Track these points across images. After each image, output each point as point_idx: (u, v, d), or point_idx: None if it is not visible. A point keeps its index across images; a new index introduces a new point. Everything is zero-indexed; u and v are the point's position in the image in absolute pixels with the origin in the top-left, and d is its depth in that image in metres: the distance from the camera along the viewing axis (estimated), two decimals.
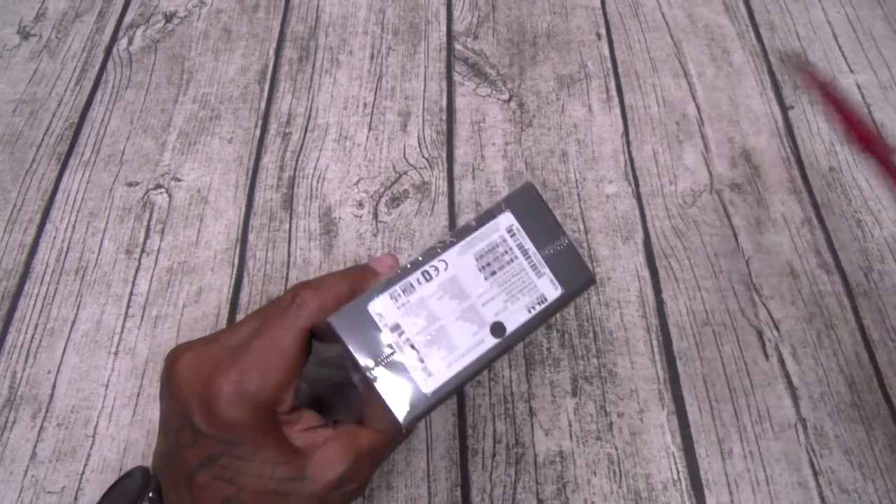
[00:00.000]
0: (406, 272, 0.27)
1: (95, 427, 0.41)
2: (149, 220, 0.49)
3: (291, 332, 0.27)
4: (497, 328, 0.27)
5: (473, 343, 0.26)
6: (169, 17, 0.61)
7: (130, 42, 0.59)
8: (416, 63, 0.58)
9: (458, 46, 0.60)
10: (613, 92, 0.57)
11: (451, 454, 0.40)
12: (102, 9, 0.61)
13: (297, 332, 0.27)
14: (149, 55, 0.58)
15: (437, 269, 0.27)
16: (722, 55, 0.59)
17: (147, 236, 0.48)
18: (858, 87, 0.57)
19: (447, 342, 0.26)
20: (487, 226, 0.28)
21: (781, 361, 0.44)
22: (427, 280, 0.27)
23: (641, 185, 0.52)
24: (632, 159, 0.53)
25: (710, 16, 0.62)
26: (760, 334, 0.45)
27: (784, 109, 0.56)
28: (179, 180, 0.51)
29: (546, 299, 0.27)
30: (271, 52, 0.59)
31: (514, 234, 0.28)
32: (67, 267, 0.47)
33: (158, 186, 0.51)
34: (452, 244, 0.27)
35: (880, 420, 0.42)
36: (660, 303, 0.46)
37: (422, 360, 0.26)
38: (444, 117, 0.55)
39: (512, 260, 0.28)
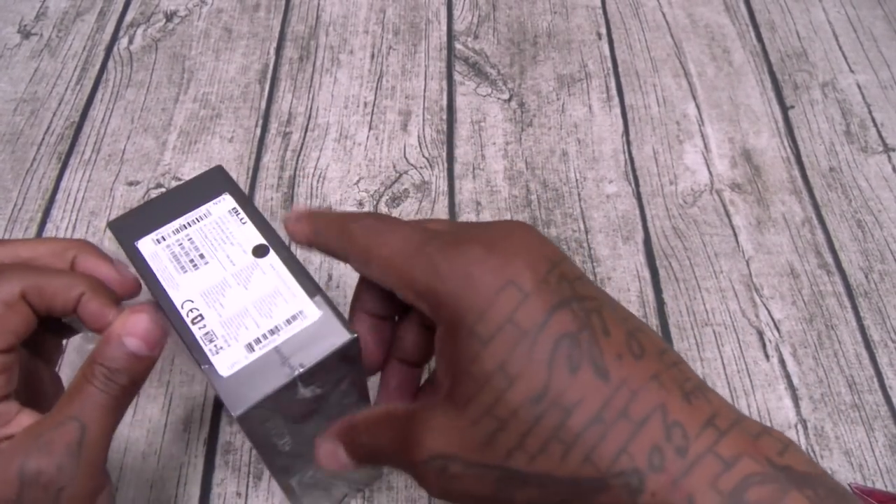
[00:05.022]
0: (188, 337, 0.26)
1: None
2: None
3: None
4: (259, 249, 0.28)
5: (262, 272, 0.27)
6: (170, 17, 0.61)
7: (131, 41, 0.59)
8: (416, 62, 0.58)
9: (458, 46, 0.60)
10: (614, 92, 0.57)
11: None
12: (103, 8, 0.61)
13: None
14: (149, 54, 0.58)
15: (191, 303, 0.27)
16: (722, 55, 0.59)
17: None
18: (859, 87, 0.57)
19: (275, 297, 0.27)
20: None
21: (782, 362, 0.44)
22: (201, 319, 0.26)
23: (641, 184, 0.52)
24: (632, 159, 0.53)
25: (711, 16, 0.62)
26: (761, 335, 0.45)
27: (784, 109, 0.56)
28: (180, 179, 0.51)
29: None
30: (272, 52, 0.59)
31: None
32: None
33: (159, 186, 0.51)
34: (164, 286, 0.27)
35: (880, 421, 0.42)
36: (660, 303, 0.46)
37: (291, 318, 0.26)
38: (445, 117, 0.55)
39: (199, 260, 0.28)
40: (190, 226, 0.28)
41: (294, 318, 0.26)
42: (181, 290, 0.27)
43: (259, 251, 0.28)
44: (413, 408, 0.24)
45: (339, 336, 0.25)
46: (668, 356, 0.22)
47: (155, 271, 0.27)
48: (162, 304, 0.27)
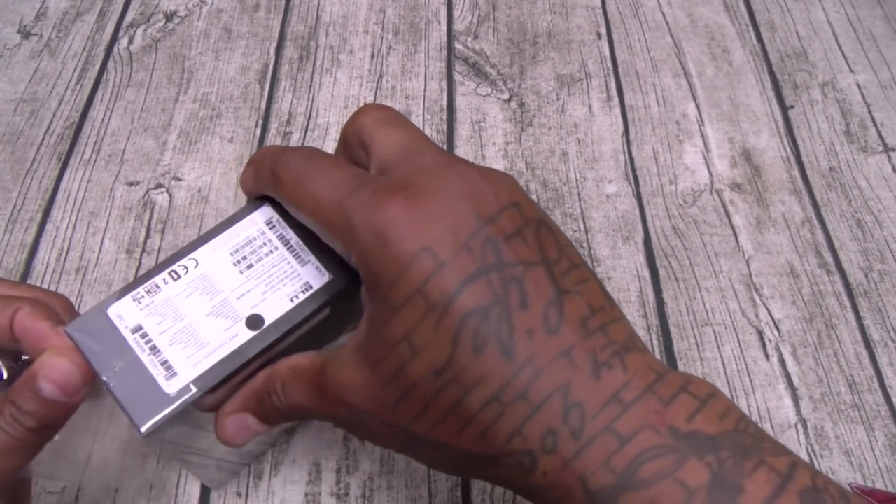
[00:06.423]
0: (151, 273, 0.25)
1: None
2: (149, 220, 0.49)
3: None
4: (254, 320, 0.25)
5: (226, 338, 0.25)
6: (169, 17, 0.61)
7: (131, 41, 0.59)
8: (416, 62, 0.58)
9: (458, 46, 0.60)
10: (614, 91, 0.57)
11: None
12: (103, 8, 0.61)
13: None
14: (149, 54, 0.58)
15: (185, 267, 0.26)
16: (722, 55, 0.59)
17: (148, 236, 0.48)
18: (858, 87, 0.57)
19: (195, 340, 0.25)
20: (243, 221, 0.27)
21: (782, 361, 0.44)
22: (175, 279, 0.25)
23: (641, 184, 0.52)
24: (632, 159, 0.53)
25: (711, 15, 0.62)
26: (761, 334, 0.45)
27: (784, 109, 0.56)
28: (180, 179, 0.51)
29: (311, 286, 0.26)
30: (272, 52, 0.59)
31: (273, 226, 0.27)
32: (68, 266, 0.47)
33: (159, 186, 0.51)
34: (203, 242, 0.26)
35: (881, 420, 0.42)
36: (660, 303, 0.46)
37: (164, 361, 0.24)
38: (445, 117, 0.55)
39: (271, 251, 0.26)
40: (283, 242, 0.27)
41: (169, 368, 0.24)
42: (208, 252, 0.26)
43: (254, 322, 0.26)
44: (321, 360, 0.24)
45: (138, 423, 0.24)
46: (595, 320, 0.21)
47: (230, 226, 0.27)
48: (186, 248, 0.26)
